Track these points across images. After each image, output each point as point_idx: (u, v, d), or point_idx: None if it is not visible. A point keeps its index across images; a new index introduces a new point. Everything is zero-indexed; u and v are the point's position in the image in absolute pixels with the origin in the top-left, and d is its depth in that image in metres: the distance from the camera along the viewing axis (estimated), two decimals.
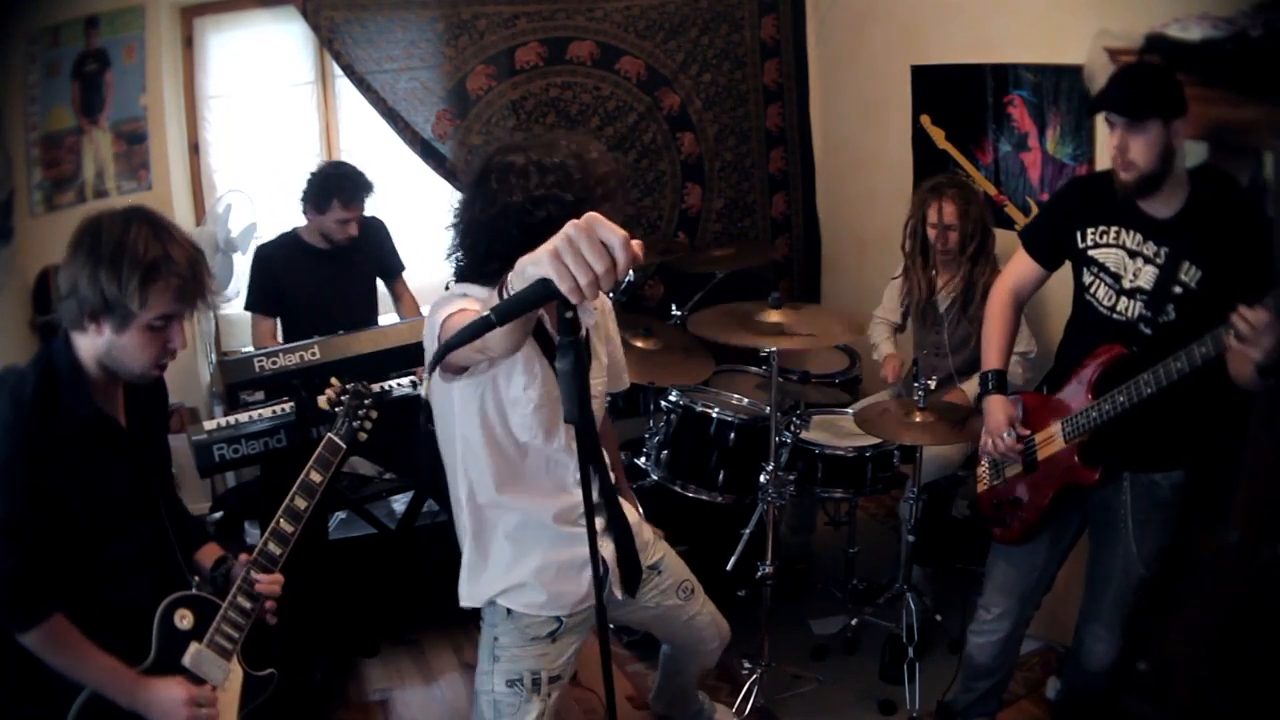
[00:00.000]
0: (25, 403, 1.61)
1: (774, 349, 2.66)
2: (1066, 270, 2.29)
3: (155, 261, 1.59)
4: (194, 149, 3.75)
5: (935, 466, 2.99)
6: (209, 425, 2.67)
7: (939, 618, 3.07)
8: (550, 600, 1.95)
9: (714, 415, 2.96)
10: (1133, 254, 2.08)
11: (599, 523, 2.00)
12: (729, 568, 2.91)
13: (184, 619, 1.77)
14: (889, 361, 3.33)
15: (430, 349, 1.72)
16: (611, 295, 3.53)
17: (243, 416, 2.70)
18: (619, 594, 2.06)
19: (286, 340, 3.32)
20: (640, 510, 2.25)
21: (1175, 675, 2.41)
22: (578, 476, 1.94)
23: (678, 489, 2.99)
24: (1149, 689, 2.44)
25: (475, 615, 2.05)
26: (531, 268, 1.11)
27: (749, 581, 2.96)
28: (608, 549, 2.01)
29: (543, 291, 1.09)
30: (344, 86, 3.77)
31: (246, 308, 3.32)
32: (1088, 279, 2.18)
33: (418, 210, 3.97)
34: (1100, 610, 2.30)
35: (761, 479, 2.76)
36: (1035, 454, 2.25)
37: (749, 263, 4.00)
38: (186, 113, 3.69)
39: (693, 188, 4.31)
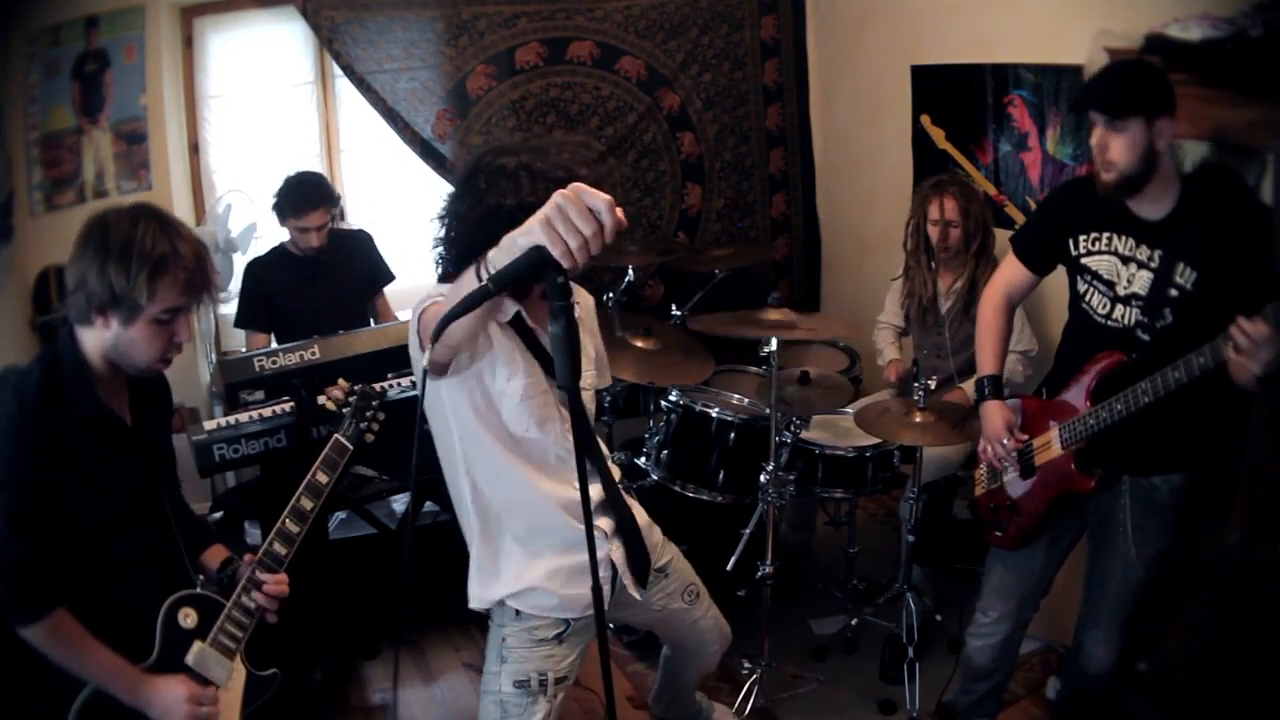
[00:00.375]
0: (29, 397, 1.63)
1: (773, 348, 2.66)
2: (1063, 271, 2.29)
3: (163, 255, 1.62)
4: (194, 149, 3.75)
5: (935, 466, 2.99)
6: (209, 425, 2.67)
7: (939, 618, 3.07)
8: (562, 604, 1.95)
9: (714, 415, 2.96)
10: (1126, 260, 2.06)
11: (607, 523, 2.00)
12: (729, 568, 2.91)
13: (188, 617, 1.77)
14: (892, 366, 3.34)
15: (414, 346, 1.73)
16: (611, 295, 3.55)
17: (243, 416, 2.70)
18: (636, 594, 2.05)
19: None
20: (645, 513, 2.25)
21: (1175, 675, 2.41)
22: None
23: (678, 489, 2.99)
24: (1149, 689, 2.44)
25: (475, 615, 2.04)
26: (523, 238, 1.19)
27: (749, 581, 2.96)
28: (617, 550, 2.01)
29: (537, 258, 1.17)
30: (344, 86, 3.77)
31: (237, 324, 3.31)
32: (1082, 287, 2.17)
33: (418, 210, 3.97)
34: (1099, 613, 2.29)
35: (761, 479, 2.76)
36: (1033, 459, 2.24)
37: (749, 263, 4.01)
38: (186, 113, 3.69)
39: (693, 188, 4.31)
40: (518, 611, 1.96)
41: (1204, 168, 2.07)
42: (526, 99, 3.91)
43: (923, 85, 3.72)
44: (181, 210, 3.66)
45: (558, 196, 1.16)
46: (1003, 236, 3.15)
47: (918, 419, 2.68)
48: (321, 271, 3.26)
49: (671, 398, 3.06)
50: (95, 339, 1.67)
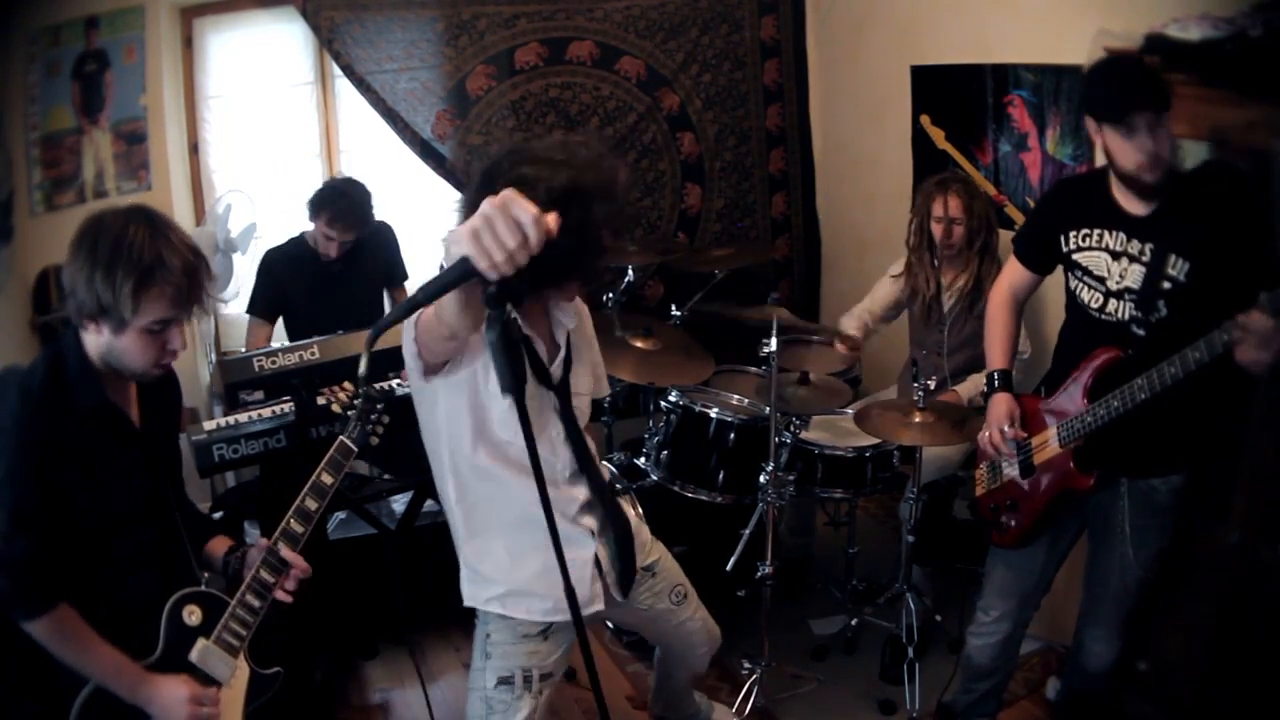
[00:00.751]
0: (33, 393, 1.63)
1: (773, 348, 2.66)
2: (1061, 271, 2.29)
3: (149, 267, 1.59)
4: (194, 149, 3.75)
5: (935, 466, 2.99)
6: (209, 425, 2.67)
7: (939, 618, 3.07)
8: (555, 606, 1.95)
9: (714, 415, 2.96)
10: (1117, 255, 2.06)
11: (593, 523, 2.01)
12: (729, 568, 2.91)
13: (192, 615, 1.77)
14: (843, 342, 3.17)
15: (408, 351, 1.73)
16: (611, 295, 3.55)
17: (242, 416, 2.70)
18: (618, 596, 2.06)
19: (291, 341, 3.32)
20: (639, 511, 2.25)
21: (1175, 675, 2.42)
22: (568, 474, 1.95)
23: (678, 489, 2.99)
24: (1149, 689, 2.45)
25: (473, 614, 2.05)
26: (454, 247, 1.17)
27: (749, 581, 2.96)
28: (602, 549, 2.02)
29: (463, 269, 1.16)
30: (344, 86, 3.77)
31: (247, 310, 3.33)
32: (1072, 283, 2.18)
33: (418, 211, 3.97)
34: (1099, 613, 2.30)
35: (761, 479, 2.76)
36: (1032, 458, 2.24)
37: (749, 263, 4.01)
38: (186, 113, 3.69)
39: (693, 188, 4.31)
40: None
41: (1200, 164, 2.07)
42: (526, 99, 3.91)
43: (923, 85, 3.72)
44: (181, 210, 3.66)
45: (485, 205, 1.13)
46: (1003, 236, 3.15)
47: (918, 419, 2.68)
48: (339, 266, 3.27)
49: (671, 398, 3.06)
50: (92, 343, 1.68)
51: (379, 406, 2.11)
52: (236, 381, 2.76)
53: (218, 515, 3.30)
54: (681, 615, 2.25)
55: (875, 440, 2.90)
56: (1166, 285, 1.99)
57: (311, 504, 1.91)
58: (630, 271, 3.65)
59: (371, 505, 3.29)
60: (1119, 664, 2.35)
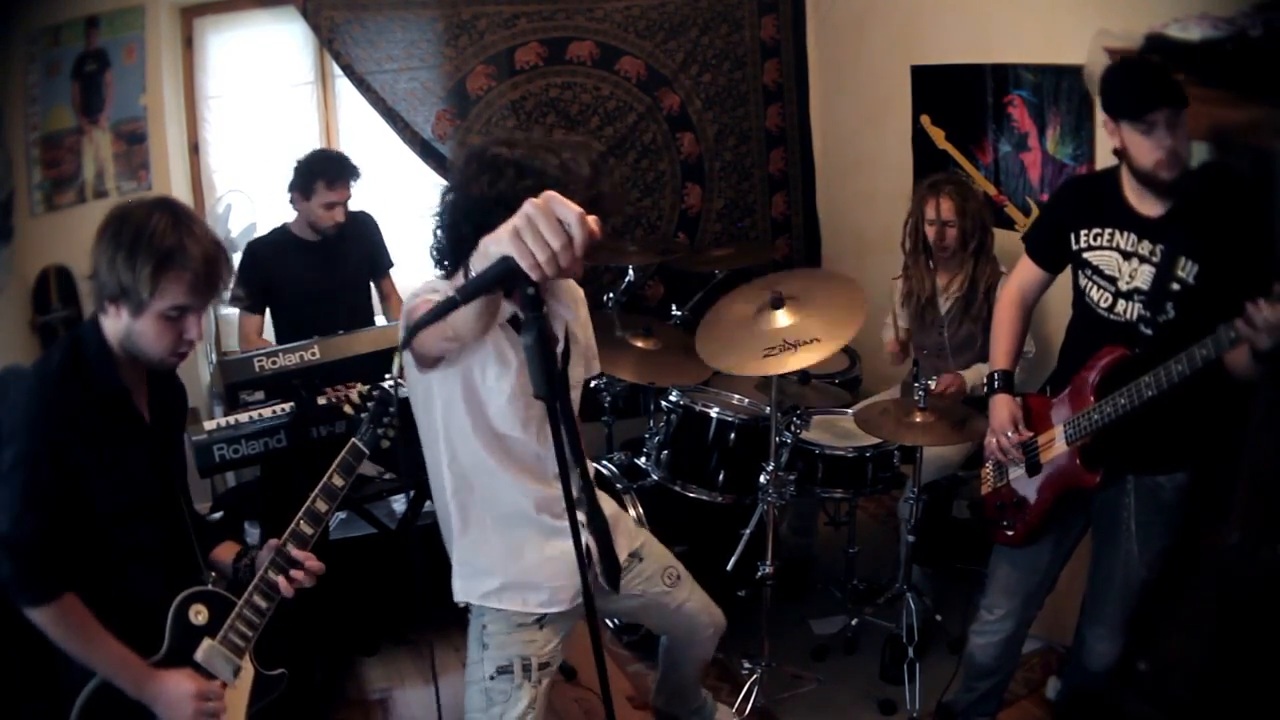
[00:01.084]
0: (50, 375, 1.65)
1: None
2: (1065, 272, 2.29)
3: (170, 252, 1.61)
4: (194, 149, 3.75)
5: (935, 466, 2.99)
6: (209, 425, 2.67)
7: (939, 618, 3.07)
8: (551, 597, 1.97)
9: (714, 415, 2.96)
10: (1127, 255, 2.07)
11: (582, 516, 2.02)
12: (729, 568, 2.91)
13: (199, 614, 1.77)
14: (892, 341, 3.23)
15: (405, 332, 1.73)
16: (611, 295, 3.55)
17: (243, 416, 2.70)
18: (605, 586, 2.07)
19: (278, 334, 3.32)
20: (639, 510, 2.26)
21: (1175, 675, 2.42)
22: (557, 469, 1.95)
23: (678, 489, 2.99)
24: (1149, 689, 2.45)
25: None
26: (494, 247, 1.15)
27: (749, 581, 2.96)
28: (593, 541, 2.02)
29: (504, 269, 1.13)
30: (344, 86, 3.77)
31: (229, 302, 3.31)
32: (1082, 281, 2.18)
33: (417, 211, 3.97)
34: (1102, 611, 2.30)
35: (761, 479, 2.76)
36: (1038, 456, 2.24)
37: (749, 263, 4.01)
38: (186, 113, 3.69)
39: (693, 188, 4.31)
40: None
41: (1202, 165, 2.07)
42: (526, 99, 3.91)
43: (923, 85, 3.72)
44: None
45: (528, 206, 1.12)
46: (1002, 236, 3.15)
47: (918, 419, 2.68)
48: (323, 253, 3.26)
49: (671, 398, 3.06)
50: (111, 327, 1.69)
51: (391, 409, 2.11)
52: (237, 381, 2.77)
53: (217, 515, 3.30)
54: (679, 597, 2.26)
55: (875, 440, 2.90)
56: (1175, 287, 1.99)
57: (322, 506, 1.92)
58: (630, 271, 3.66)
59: (371, 505, 3.29)
60: (1120, 664, 2.35)
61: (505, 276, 1.14)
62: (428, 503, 3.23)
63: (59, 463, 1.61)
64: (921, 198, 3.10)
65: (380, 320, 3.53)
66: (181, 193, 3.69)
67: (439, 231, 1.83)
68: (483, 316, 1.46)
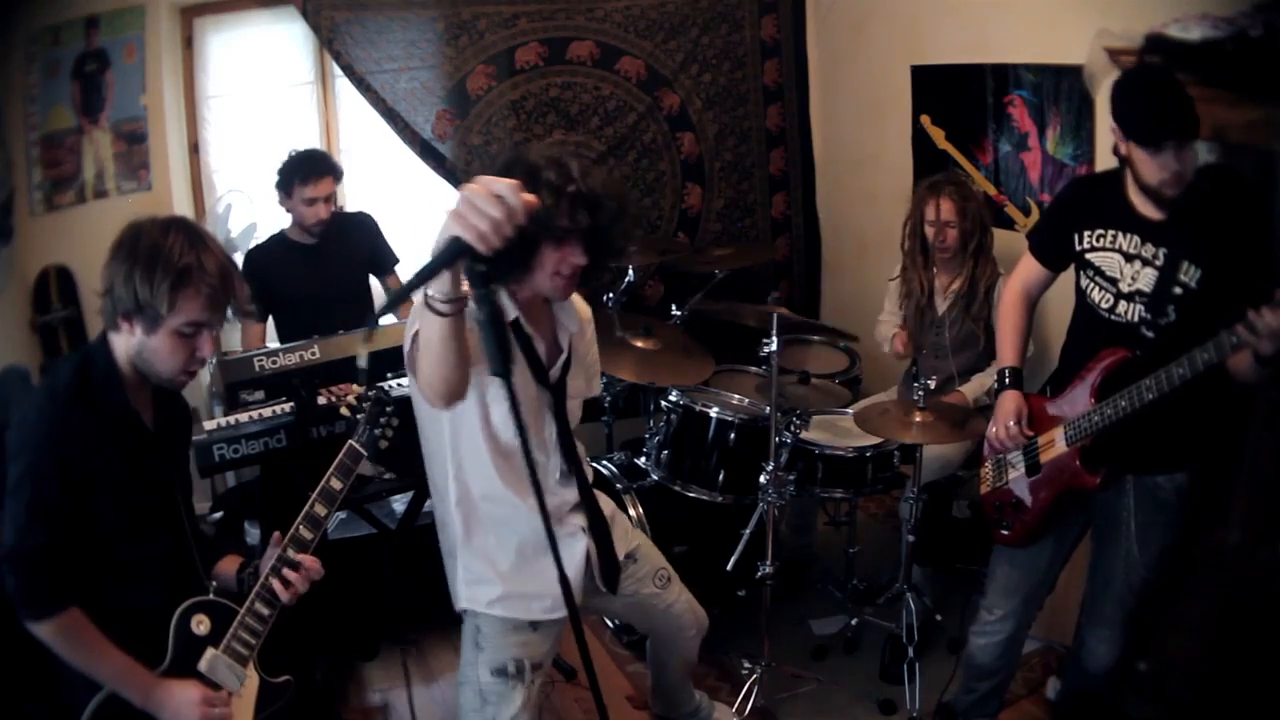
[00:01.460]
0: (60, 393, 1.66)
1: (774, 348, 2.66)
2: (1066, 271, 2.29)
3: (187, 268, 1.64)
4: (194, 149, 3.75)
5: (935, 466, 2.99)
6: (209, 425, 2.67)
7: (939, 618, 3.07)
8: (554, 604, 1.98)
9: (714, 415, 2.96)
10: (1130, 257, 2.07)
11: (582, 520, 2.04)
12: (729, 568, 2.91)
13: (201, 624, 1.77)
14: (897, 337, 3.24)
15: (409, 364, 1.74)
16: (611, 295, 3.55)
17: (243, 416, 2.70)
18: (603, 588, 2.09)
19: (281, 339, 3.32)
20: (639, 510, 2.27)
21: (1175, 675, 2.41)
22: (557, 475, 1.97)
23: (678, 489, 2.99)
24: (1149, 689, 2.44)
25: None
26: (441, 235, 1.25)
27: (749, 581, 2.96)
28: (590, 545, 2.05)
29: (454, 248, 1.22)
30: (344, 86, 3.77)
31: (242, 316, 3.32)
32: (1084, 282, 2.18)
33: (417, 210, 3.97)
34: (1102, 611, 2.30)
35: (761, 479, 2.76)
36: (1038, 456, 2.24)
37: (749, 263, 4.00)
38: (186, 113, 3.69)
39: (693, 188, 4.31)
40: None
41: (1205, 167, 2.07)
42: (526, 99, 3.91)
43: (923, 85, 3.72)
44: (181, 210, 3.66)
45: (463, 188, 1.22)
46: (1002, 236, 3.15)
47: (918, 419, 2.68)
48: (321, 256, 3.26)
49: (671, 398, 3.06)
50: (123, 345, 1.70)
51: (388, 409, 2.11)
52: (236, 381, 2.77)
53: (217, 515, 3.31)
54: (668, 599, 2.28)
55: (875, 440, 2.90)
56: (1178, 290, 1.99)
57: (321, 509, 1.92)
58: (630, 271, 3.65)
59: (371, 505, 3.29)
60: (1119, 664, 2.35)
61: (455, 254, 1.23)
62: (427, 502, 3.24)
63: (66, 479, 1.61)
64: (921, 198, 3.10)
65: (386, 320, 3.52)
66: (181, 193, 3.69)
67: None
68: (459, 366, 1.52)
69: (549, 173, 1.74)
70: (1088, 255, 2.15)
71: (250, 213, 3.59)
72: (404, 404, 2.25)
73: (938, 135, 3.67)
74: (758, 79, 4.32)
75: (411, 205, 3.94)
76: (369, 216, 3.45)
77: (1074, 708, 2.61)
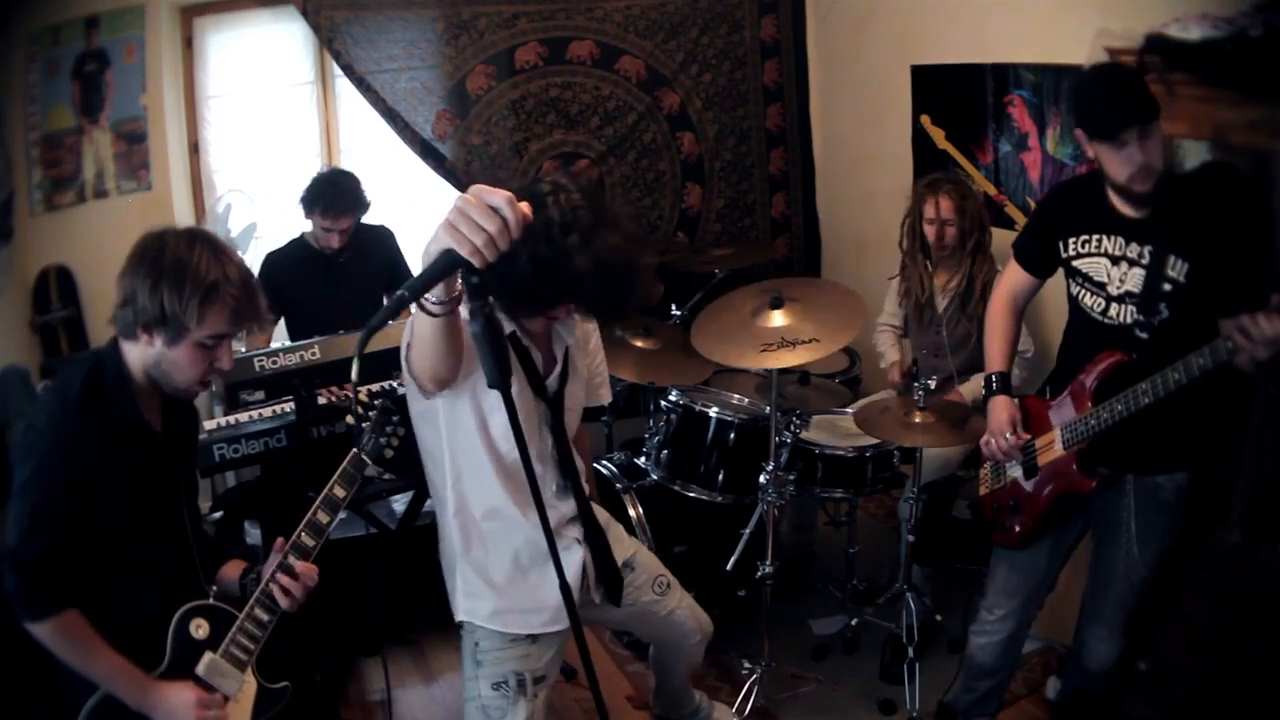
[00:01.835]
0: (72, 400, 1.66)
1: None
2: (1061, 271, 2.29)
3: (215, 282, 1.64)
4: (194, 149, 3.75)
5: (935, 466, 2.99)
6: (209, 425, 2.67)
7: (939, 618, 3.07)
8: (552, 617, 1.97)
9: (714, 415, 2.96)
10: (1116, 260, 2.06)
11: (578, 531, 2.03)
12: (729, 568, 2.91)
13: (200, 628, 1.77)
14: (895, 367, 3.36)
15: (406, 370, 1.75)
16: None
17: (243, 416, 2.70)
18: (596, 598, 2.08)
19: (293, 341, 3.32)
20: (639, 510, 2.26)
21: (1175, 675, 2.41)
22: (554, 487, 1.96)
23: (678, 489, 2.99)
24: (1149, 689, 2.44)
25: None
26: (433, 245, 1.22)
27: (749, 581, 2.96)
28: (587, 555, 2.03)
29: (447, 261, 1.20)
30: (344, 86, 3.77)
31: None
32: (1074, 289, 2.18)
33: (417, 210, 3.97)
34: (1102, 611, 2.30)
35: (761, 479, 2.76)
36: (1035, 459, 2.24)
37: (749, 263, 4.00)
38: (186, 113, 3.69)
39: (693, 188, 4.31)
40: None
41: (1200, 163, 2.07)
42: (526, 99, 3.91)
43: (923, 85, 3.72)
44: (181, 210, 3.66)
45: (458, 199, 1.19)
46: (1001, 236, 3.15)
47: (918, 419, 2.68)
48: (338, 266, 3.27)
49: (671, 398, 3.06)
50: (138, 354, 1.70)
51: (394, 419, 2.10)
52: (236, 381, 2.77)
53: (217, 515, 3.30)
54: (668, 605, 2.26)
55: (875, 440, 2.90)
56: (1167, 287, 1.99)
57: (324, 517, 1.92)
58: None
59: (371, 505, 3.29)
60: (1119, 664, 2.35)
61: (449, 268, 1.20)
62: (428, 502, 3.24)
63: (72, 485, 1.61)
64: (920, 196, 3.10)
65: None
66: (181, 193, 3.69)
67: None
68: (450, 354, 1.51)
69: (570, 236, 1.61)
70: (1074, 262, 2.15)
71: (250, 213, 3.59)
72: (400, 402, 2.25)
73: (938, 135, 3.67)
74: (758, 79, 4.32)
75: (411, 205, 3.94)
76: (388, 230, 3.46)
77: (1074, 707, 2.61)
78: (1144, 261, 2.01)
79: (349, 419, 2.11)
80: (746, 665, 2.85)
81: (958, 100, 3.51)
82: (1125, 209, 2.03)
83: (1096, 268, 2.10)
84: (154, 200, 3.53)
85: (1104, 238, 2.08)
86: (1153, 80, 1.97)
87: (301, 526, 1.88)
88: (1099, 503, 2.23)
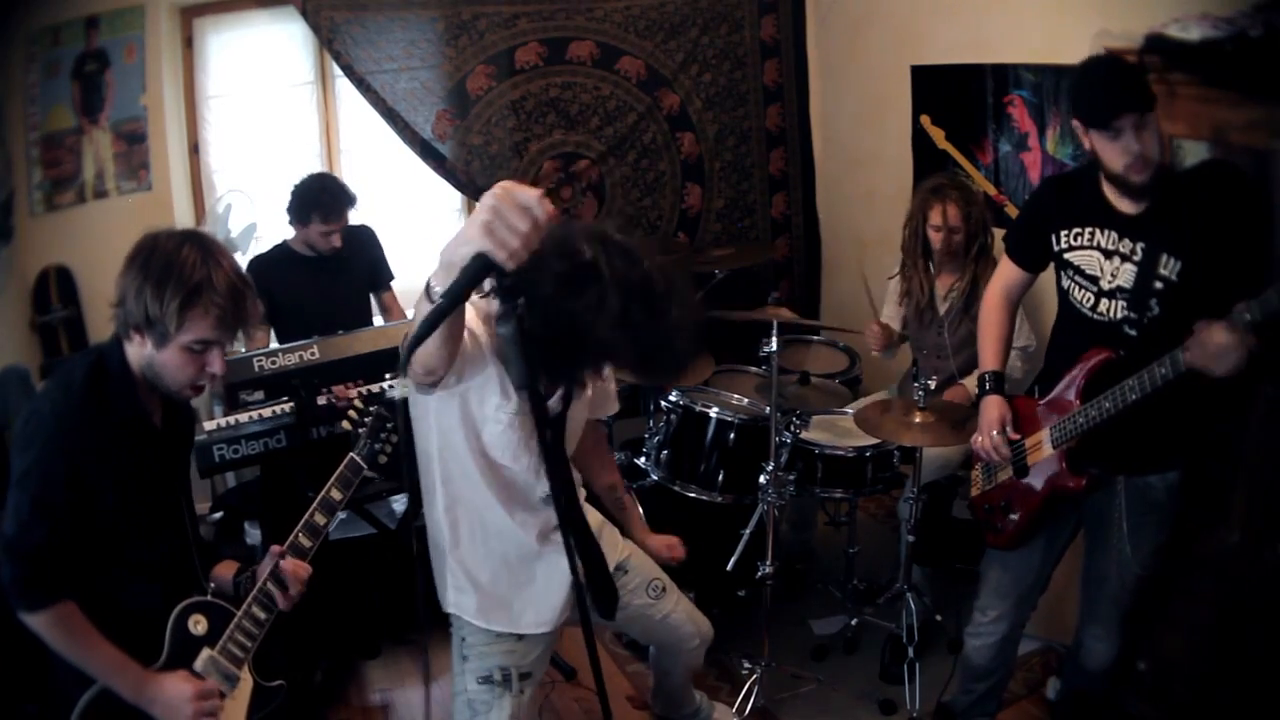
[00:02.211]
0: (74, 391, 1.66)
1: (774, 348, 2.66)
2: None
3: (197, 287, 1.63)
4: (194, 149, 3.75)
5: (935, 466, 2.99)
6: (209, 425, 2.67)
7: (939, 618, 3.07)
8: (535, 619, 1.98)
9: (714, 415, 2.96)
10: (1109, 254, 2.06)
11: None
12: (729, 568, 2.91)
13: (198, 624, 1.78)
14: (869, 330, 3.18)
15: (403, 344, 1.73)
16: None
17: (243, 416, 2.70)
18: (581, 614, 2.06)
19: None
20: (639, 511, 2.25)
21: (1175, 675, 2.41)
22: (542, 495, 1.94)
23: (678, 489, 2.99)
24: (1149, 689, 2.44)
25: None
26: (464, 248, 1.18)
27: (749, 581, 2.96)
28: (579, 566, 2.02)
29: (481, 265, 1.17)
30: (344, 86, 3.77)
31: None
32: (1065, 282, 2.17)
33: (417, 210, 3.97)
34: (1097, 611, 2.30)
35: (761, 479, 2.76)
36: (1025, 459, 2.24)
37: (749, 263, 4.01)
38: (186, 113, 3.69)
39: (693, 188, 4.31)
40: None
41: (1197, 162, 2.06)
42: (526, 99, 3.91)
43: (923, 85, 3.72)
44: (181, 210, 3.66)
45: (487, 198, 1.16)
46: (1001, 236, 3.15)
47: (918, 419, 2.68)
48: (324, 269, 3.27)
49: (671, 398, 3.06)
50: (135, 353, 1.71)
51: (389, 425, 2.11)
52: (236, 382, 2.77)
53: (217, 515, 3.31)
54: (663, 609, 2.25)
55: (875, 440, 2.90)
56: (1159, 285, 1.98)
57: (320, 519, 1.93)
58: None
59: (371, 505, 3.30)
60: (1119, 664, 2.35)
61: (482, 271, 1.17)
62: None
63: (72, 477, 1.62)
64: (925, 202, 3.08)
65: (378, 321, 3.52)
66: (181, 193, 3.69)
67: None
68: (447, 342, 1.49)
69: (619, 299, 1.49)
70: (1067, 255, 2.14)
71: (250, 213, 3.59)
72: (404, 407, 2.25)
73: (938, 135, 3.67)
74: (758, 79, 4.32)
75: (411, 206, 3.94)
76: (370, 230, 3.47)
77: (1074, 707, 2.61)
78: (1136, 258, 2.01)
79: (345, 424, 2.13)
80: (746, 665, 2.85)
81: (958, 100, 3.51)
82: (1120, 204, 2.03)
83: (1089, 260, 2.09)
84: (154, 200, 3.53)
85: (1097, 231, 2.07)
86: (1153, 80, 1.96)
87: (299, 528, 1.89)
88: (1090, 502, 2.23)
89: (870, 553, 3.44)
